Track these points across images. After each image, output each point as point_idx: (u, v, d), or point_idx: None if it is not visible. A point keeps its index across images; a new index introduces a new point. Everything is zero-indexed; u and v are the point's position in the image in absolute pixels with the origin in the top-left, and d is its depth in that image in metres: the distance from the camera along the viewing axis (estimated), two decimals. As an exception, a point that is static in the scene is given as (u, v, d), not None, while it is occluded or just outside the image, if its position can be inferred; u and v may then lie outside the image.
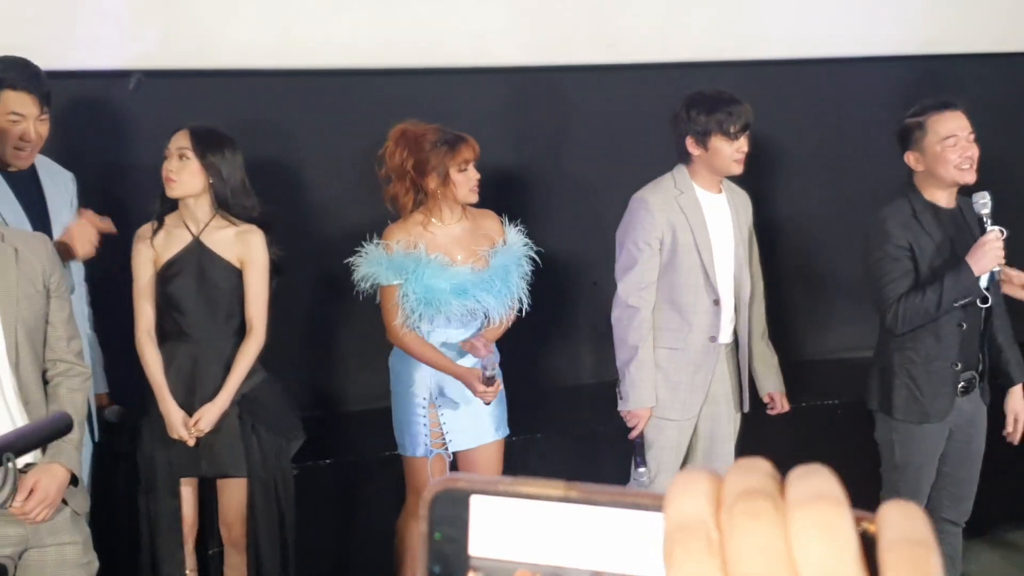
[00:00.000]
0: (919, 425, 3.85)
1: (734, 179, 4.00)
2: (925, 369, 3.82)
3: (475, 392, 3.77)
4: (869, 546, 0.38)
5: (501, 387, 3.89)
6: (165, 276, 3.70)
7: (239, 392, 3.72)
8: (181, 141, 3.63)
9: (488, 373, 3.73)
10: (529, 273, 3.87)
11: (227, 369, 3.71)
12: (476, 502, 0.44)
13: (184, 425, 3.65)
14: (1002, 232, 3.66)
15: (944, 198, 3.81)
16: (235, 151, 3.69)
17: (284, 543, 3.85)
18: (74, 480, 3.19)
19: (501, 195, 4.00)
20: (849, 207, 5.46)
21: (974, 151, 3.75)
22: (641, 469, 3.82)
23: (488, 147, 3.77)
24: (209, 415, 3.66)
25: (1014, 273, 3.79)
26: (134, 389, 3.83)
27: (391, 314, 3.78)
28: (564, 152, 4.54)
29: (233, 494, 3.82)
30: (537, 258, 3.90)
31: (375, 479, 4.37)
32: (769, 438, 4.73)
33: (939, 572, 0.37)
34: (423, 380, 3.86)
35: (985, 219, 3.68)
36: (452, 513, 0.44)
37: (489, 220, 3.94)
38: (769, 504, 0.38)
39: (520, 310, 3.89)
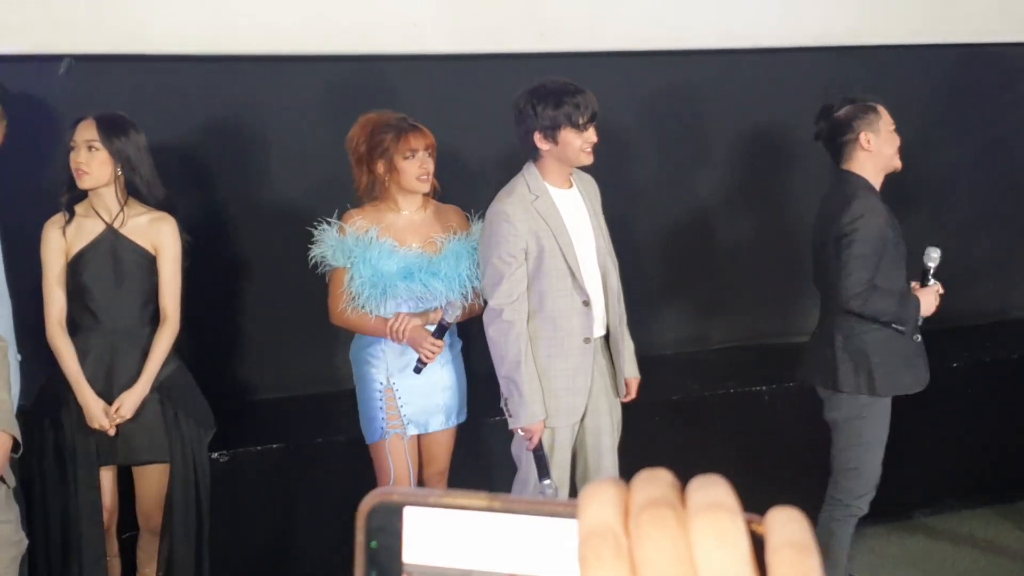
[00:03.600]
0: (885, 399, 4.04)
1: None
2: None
3: (419, 348, 3.71)
4: (759, 546, 0.43)
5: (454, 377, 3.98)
6: (78, 266, 3.70)
7: (157, 379, 3.74)
8: (88, 133, 3.65)
9: (448, 320, 3.70)
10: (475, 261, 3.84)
11: (144, 357, 3.73)
12: (409, 513, 0.47)
13: (105, 414, 3.66)
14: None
15: (880, 186, 4.00)
16: (140, 135, 3.71)
17: (200, 531, 3.87)
18: (16, 446, 3.20)
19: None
20: (776, 195, 5.57)
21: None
22: (547, 481, 3.76)
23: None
24: (129, 402, 3.68)
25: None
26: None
27: (336, 297, 3.80)
28: (496, 140, 4.57)
29: (152, 481, 3.84)
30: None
31: (318, 464, 4.39)
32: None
33: (817, 572, 0.42)
34: (380, 366, 3.88)
35: (930, 271, 4.04)
36: (386, 523, 0.47)
37: (453, 214, 3.95)
38: (671, 513, 0.43)
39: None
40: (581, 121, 3.67)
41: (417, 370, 3.79)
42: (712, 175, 5.43)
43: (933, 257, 4.03)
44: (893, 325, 3.94)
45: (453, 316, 3.72)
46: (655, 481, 0.45)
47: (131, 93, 4.35)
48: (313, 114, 4.70)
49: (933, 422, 5.13)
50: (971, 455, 4.97)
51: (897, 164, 3.99)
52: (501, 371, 3.79)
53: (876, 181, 3.98)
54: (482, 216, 3.89)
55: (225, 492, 4.19)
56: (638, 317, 4.26)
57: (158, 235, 3.74)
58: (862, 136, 3.92)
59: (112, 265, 3.71)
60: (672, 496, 0.44)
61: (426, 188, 3.82)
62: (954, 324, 5.05)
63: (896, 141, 3.96)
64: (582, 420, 3.95)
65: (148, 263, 3.74)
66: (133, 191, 3.72)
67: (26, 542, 3.39)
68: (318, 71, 4.69)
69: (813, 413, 4.93)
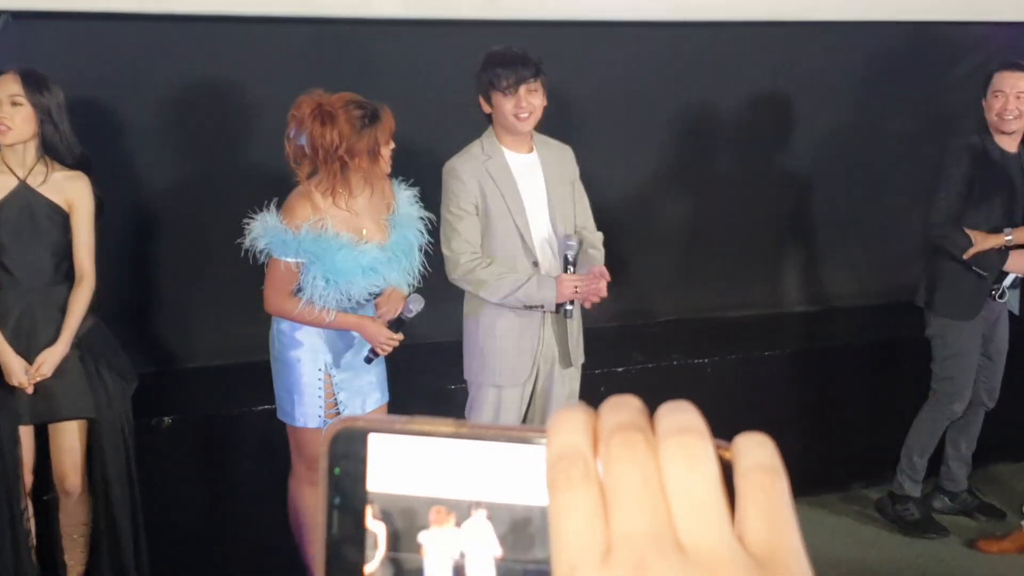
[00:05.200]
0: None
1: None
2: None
3: (376, 341, 3.66)
4: (727, 471, 0.43)
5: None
6: None
7: (76, 336, 3.71)
8: (12, 87, 3.59)
9: (408, 314, 3.65)
10: (426, 239, 3.78)
11: (62, 314, 3.70)
12: (373, 440, 0.46)
13: (25, 371, 3.63)
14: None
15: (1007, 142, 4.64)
16: (59, 92, 3.65)
17: (132, 485, 3.86)
18: None
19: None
20: (723, 170, 5.58)
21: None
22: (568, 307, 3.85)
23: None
24: (50, 360, 3.66)
25: None
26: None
27: (278, 290, 3.62)
28: (445, 108, 4.55)
29: (69, 440, 3.80)
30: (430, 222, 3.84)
31: (231, 434, 4.37)
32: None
33: (786, 495, 0.42)
34: (318, 349, 3.74)
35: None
36: (351, 450, 0.47)
37: (385, 183, 3.77)
38: (641, 437, 0.43)
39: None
40: (504, 85, 3.72)
41: (368, 360, 3.75)
42: (659, 149, 5.44)
43: None
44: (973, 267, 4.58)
45: (414, 311, 3.66)
46: (624, 406, 0.44)
47: (70, 53, 4.27)
48: (251, 76, 4.62)
49: (873, 397, 5.19)
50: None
51: (999, 126, 4.56)
52: (499, 300, 3.83)
53: (996, 134, 4.60)
54: (407, 181, 3.85)
55: (163, 458, 4.16)
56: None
57: (73, 192, 3.69)
58: (985, 100, 4.60)
59: (26, 221, 3.66)
60: (641, 421, 0.44)
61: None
62: (902, 299, 5.10)
63: (995, 105, 4.54)
64: (535, 387, 4.02)
65: (62, 220, 3.70)
66: (50, 148, 3.66)
67: None
68: (259, 32, 4.61)
69: (756, 385, 4.98)
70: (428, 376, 4.16)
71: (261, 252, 3.60)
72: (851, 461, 5.27)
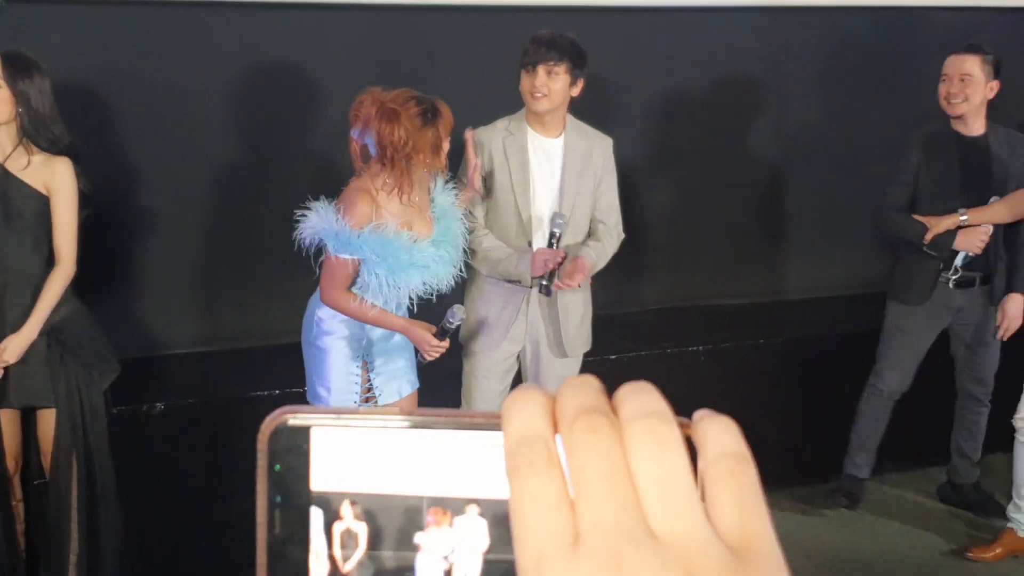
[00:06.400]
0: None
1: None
2: None
3: (423, 348, 3.64)
4: (689, 448, 0.42)
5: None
6: None
7: (48, 323, 3.67)
8: None
9: (450, 325, 3.61)
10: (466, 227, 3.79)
11: (37, 298, 3.66)
12: (317, 434, 0.44)
13: None
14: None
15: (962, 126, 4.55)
16: (44, 79, 3.61)
17: (91, 477, 3.77)
18: None
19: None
20: (712, 156, 5.55)
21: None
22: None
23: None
24: (13, 345, 3.63)
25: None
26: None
27: (340, 283, 3.57)
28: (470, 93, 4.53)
29: (43, 424, 3.78)
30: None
31: (223, 421, 4.34)
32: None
33: (756, 482, 0.41)
34: (357, 338, 3.71)
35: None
36: (292, 445, 0.45)
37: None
38: (606, 421, 0.41)
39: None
40: (526, 62, 3.83)
41: (419, 363, 3.80)
42: (649, 136, 5.41)
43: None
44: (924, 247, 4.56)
45: (456, 321, 3.64)
46: (584, 388, 0.43)
47: (65, 38, 4.25)
48: (254, 61, 4.60)
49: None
50: (906, 420, 5.01)
51: (947, 110, 4.51)
52: (487, 272, 3.98)
53: (952, 120, 4.56)
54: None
55: (153, 443, 4.14)
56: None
57: (51, 176, 3.64)
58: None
59: (2, 204, 3.62)
60: (603, 403, 0.42)
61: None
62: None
63: (942, 90, 4.50)
64: (526, 368, 4.10)
65: (41, 204, 3.65)
66: (29, 133, 3.62)
67: None
68: (253, 17, 4.59)
69: (748, 373, 4.96)
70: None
71: (311, 244, 3.54)
72: (843, 450, 5.24)
